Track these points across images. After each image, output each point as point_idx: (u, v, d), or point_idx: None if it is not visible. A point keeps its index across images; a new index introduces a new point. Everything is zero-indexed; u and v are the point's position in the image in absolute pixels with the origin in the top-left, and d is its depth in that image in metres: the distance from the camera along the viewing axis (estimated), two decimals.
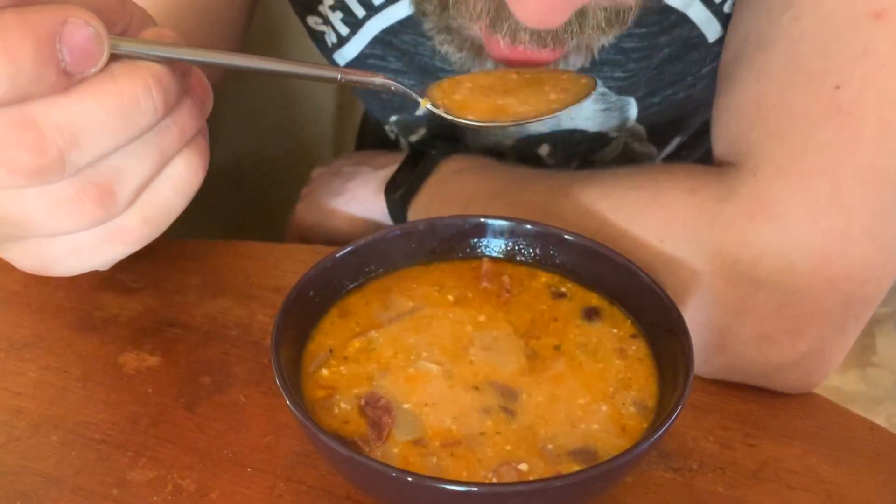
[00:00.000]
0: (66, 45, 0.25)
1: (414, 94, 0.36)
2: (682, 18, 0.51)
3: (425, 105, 0.36)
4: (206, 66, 0.30)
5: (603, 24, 0.35)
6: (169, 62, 0.29)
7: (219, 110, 1.02)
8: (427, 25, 0.40)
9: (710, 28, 0.51)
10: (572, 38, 0.36)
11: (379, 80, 0.34)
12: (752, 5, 0.46)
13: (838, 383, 1.59)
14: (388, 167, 0.61)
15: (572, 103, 0.38)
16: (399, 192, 0.58)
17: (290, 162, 1.05)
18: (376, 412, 0.37)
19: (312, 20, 0.56)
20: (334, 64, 0.59)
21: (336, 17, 0.55)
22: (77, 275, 0.32)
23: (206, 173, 0.32)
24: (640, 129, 0.60)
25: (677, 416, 0.34)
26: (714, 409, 0.45)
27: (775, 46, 0.43)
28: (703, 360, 0.45)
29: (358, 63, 0.58)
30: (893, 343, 1.61)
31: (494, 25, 0.35)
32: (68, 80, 0.26)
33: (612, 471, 0.32)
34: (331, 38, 0.57)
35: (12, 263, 0.32)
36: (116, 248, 0.30)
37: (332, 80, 0.33)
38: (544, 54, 0.37)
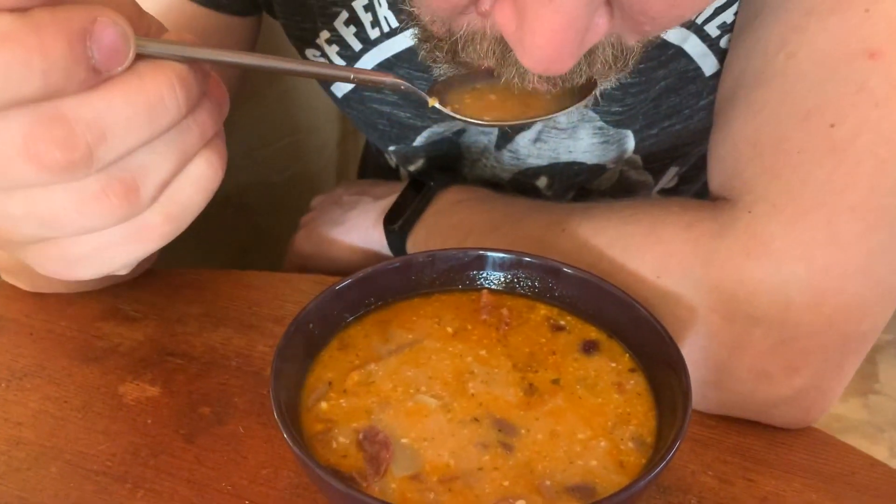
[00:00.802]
0: (95, 42, 0.26)
1: (422, 94, 0.37)
2: (678, 52, 0.51)
3: (433, 104, 0.37)
4: (225, 66, 0.32)
5: (610, 60, 0.36)
6: (191, 62, 0.30)
7: (225, 133, 1.02)
8: (437, 72, 0.40)
9: (707, 62, 0.52)
10: (581, 77, 0.36)
11: (389, 79, 0.35)
12: (747, 42, 0.46)
13: (841, 411, 1.58)
14: (388, 198, 0.61)
15: (571, 105, 0.38)
16: (398, 224, 0.58)
17: (292, 189, 1.06)
18: (374, 447, 0.37)
19: (310, 53, 0.57)
20: (333, 97, 0.60)
21: (332, 51, 0.56)
22: (92, 285, 0.32)
23: (224, 173, 0.33)
24: (637, 158, 0.61)
25: (675, 451, 0.34)
26: (713, 444, 0.45)
27: (771, 83, 0.44)
28: (701, 396, 0.45)
29: (355, 95, 0.58)
30: (895, 371, 1.61)
31: (501, 67, 0.36)
32: (97, 77, 0.27)
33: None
34: None
35: (35, 267, 0.32)
36: (139, 245, 0.31)
37: (346, 79, 0.34)
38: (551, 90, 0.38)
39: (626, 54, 0.36)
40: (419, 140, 0.60)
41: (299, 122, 1.08)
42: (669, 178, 0.64)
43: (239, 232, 1.01)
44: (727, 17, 0.50)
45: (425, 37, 0.39)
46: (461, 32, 0.35)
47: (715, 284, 0.42)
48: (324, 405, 0.39)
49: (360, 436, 0.37)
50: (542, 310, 0.45)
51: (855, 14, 0.41)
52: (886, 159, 0.40)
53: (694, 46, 0.51)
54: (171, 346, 0.52)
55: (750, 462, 0.44)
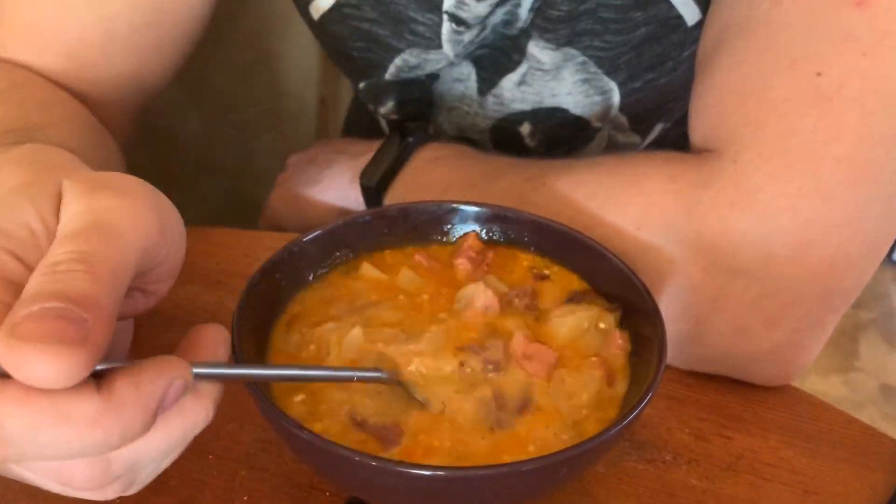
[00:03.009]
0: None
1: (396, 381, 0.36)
2: None
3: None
4: (261, 380, 0.34)
5: None
6: (227, 379, 0.31)
7: (200, 97, 1.00)
8: None
9: (689, 11, 0.51)
10: None
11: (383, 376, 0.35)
12: None
13: (821, 388, 1.59)
14: (364, 155, 0.59)
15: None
16: (374, 181, 0.57)
17: (269, 155, 1.04)
18: None
19: None
20: (309, 21, 0.59)
21: None
22: None
23: None
24: (623, 118, 0.60)
25: (647, 403, 0.33)
26: (690, 401, 0.44)
27: (756, 32, 0.42)
28: (679, 350, 0.44)
29: (334, 13, 0.57)
30: (876, 348, 1.62)
31: None
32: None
33: (578, 457, 0.31)
34: None
35: None
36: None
37: (334, 379, 0.36)
38: None
39: None
40: (391, 70, 0.58)
41: (278, 87, 1.06)
42: (654, 135, 0.63)
43: (212, 198, 1.00)
44: None
45: None
46: None
47: (697, 236, 0.41)
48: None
49: None
50: (526, 260, 0.44)
51: None
52: (873, 110, 0.39)
53: None
54: None
55: (726, 419, 0.43)
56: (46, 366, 0.24)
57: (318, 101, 1.11)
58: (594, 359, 0.37)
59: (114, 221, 0.28)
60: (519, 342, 0.37)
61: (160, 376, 0.27)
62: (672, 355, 0.44)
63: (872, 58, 0.39)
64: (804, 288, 0.41)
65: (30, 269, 0.27)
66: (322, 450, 0.31)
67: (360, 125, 0.83)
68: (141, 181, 0.31)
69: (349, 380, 0.35)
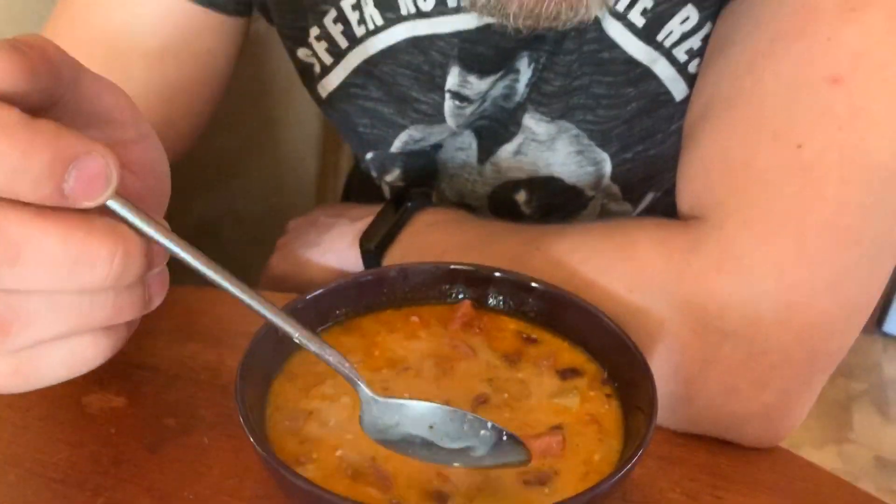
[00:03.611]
0: (76, 168, 0.26)
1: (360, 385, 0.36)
2: (647, 72, 0.53)
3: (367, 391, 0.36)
4: (187, 265, 0.31)
5: None
6: (151, 242, 0.29)
7: (202, 164, 1.02)
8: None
9: (677, 87, 0.54)
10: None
11: (332, 358, 0.35)
12: (717, 67, 0.48)
13: (816, 459, 1.59)
14: (364, 219, 0.61)
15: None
16: (373, 244, 0.58)
17: (269, 221, 1.06)
18: None
19: (302, 52, 0.59)
20: (317, 98, 0.62)
21: (321, 48, 0.57)
22: None
23: (105, 361, 0.31)
24: (615, 188, 0.62)
25: (637, 460, 0.34)
26: (681, 461, 0.45)
27: (739, 106, 0.45)
28: (671, 411, 0.45)
29: (341, 92, 0.59)
30: (870, 420, 1.62)
31: None
32: (58, 200, 0.26)
33: None
34: (316, 69, 0.59)
35: None
36: None
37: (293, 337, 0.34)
38: None
39: None
40: (396, 144, 0.61)
41: (279, 154, 1.09)
42: (646, 203, 0.65)
43: (214, 261, 1.01)
44: (694, 42, 0.51)
45: None
46: None
47: (686, 298, 0.43)
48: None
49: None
50: (513, 325, 0.45)
51: (818, 42, 0.43)
52: (851, 179, 0.42)
53: (663, 69, 0.52)
54: (138, 358, 0.51)
55: (718, 479, 0.44)
56: None
57: (318, 168, 1.14)
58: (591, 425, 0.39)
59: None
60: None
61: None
62: (664, 416, 0.46)
63: (849, 131, 0.41)
64: (790, 349, 0.42)
65: None
66: (319, 498, 0.32)
67: (359, 192, 0.86)
68: None
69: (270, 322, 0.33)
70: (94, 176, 0.26)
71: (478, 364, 0.42)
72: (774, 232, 0.42)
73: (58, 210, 0.26)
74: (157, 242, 0.29)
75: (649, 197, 0.65)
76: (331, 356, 0.35)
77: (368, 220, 0.61)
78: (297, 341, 0.34)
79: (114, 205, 0.28)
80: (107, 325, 0.29)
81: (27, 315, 0.27)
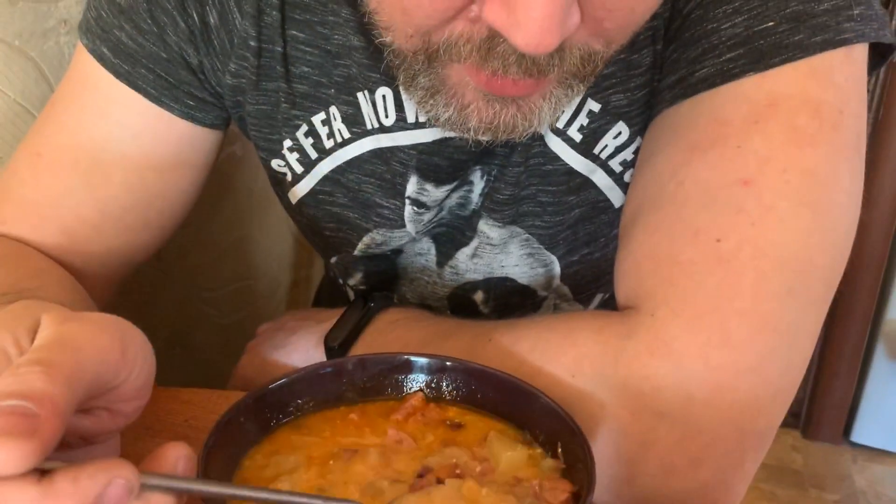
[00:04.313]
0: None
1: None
2: (587, 182, 0.58)
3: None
4: (214, 497, 0.35)
5: (578, 64, 0.42)
6: (180, 492, 0.33)
7: (176, 279, 1.06)
8: (415, 97, 0.46)
9: (614, 195, 0.59)
10: (553, 70, 0.42)
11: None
12: (643, 175, 0.53)
13: None
14: (329, 321, 0.64)
15: None
16: (338, 342, 0.61)
17: (241, 332, 1.08)
18: None
19: (276, 163, 0.63)
20: (287, 203, 0.66)
21: (293, 158, 0.62)
22: None
23: None
24: (565, 288, 0.66)
25: None
26: None
27: (664, 208, 0.50)
28: (616, 494, 0.47)
29: (310, 198, 0.64)
30: None
31: (485, 61, 0.41)
32: None
33: None
34: (288, 178, 0.64)
35: None
36: None
37: None
38: (528, 84, 0.43)
39: (593, 59, 0.42)
40: (360, 247, 0.65)
41: (251, 268, 1.12)
42: (595, 305, 0.69)
43: (184, 373, 1.03)
44: (627, 154, 0.57)
45: (399, 58, 0.45)
46: (442, 40, 0.41)
47: (623, 382, 0.46)
48: None
49: None
50: (453, 412, 0.47)
51: (729, 149, 0.48)
52: (766, 270, 0.46)
53: (601, 179, 0.58)
54: None
55: None
56: None
57: (290, 281, 1.17)
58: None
59: (74, 338, 0.32)
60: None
61: (100, 473, 0.29)
62: (609, 498, 0.48)
63: (760, 226, 0.46)
64: (721, 428, 0.45)
65: None
66: None
67: (329, 300, 0.89)
68: (113, 316, 0.35)
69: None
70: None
71: (417, 447, 0.44)
72: (700, 319, 0.46)
73: None
74: (185, 492, 0.33)
75: (598, 298, 0.69)
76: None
77: (333, 321, 0.64)
78: None
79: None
80: None
81: None
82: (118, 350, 0.33)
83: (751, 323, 0.45)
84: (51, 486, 0.28)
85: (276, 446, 0.45)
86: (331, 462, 0.43)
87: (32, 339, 0.33)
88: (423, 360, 0.49)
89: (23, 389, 0.29)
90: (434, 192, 0.60)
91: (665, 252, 0.49)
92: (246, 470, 0.43)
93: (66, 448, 0.35)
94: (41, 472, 0.29)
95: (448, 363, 0.49)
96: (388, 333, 0.60)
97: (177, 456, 0.34)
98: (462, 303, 0.67)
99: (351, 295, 0.76)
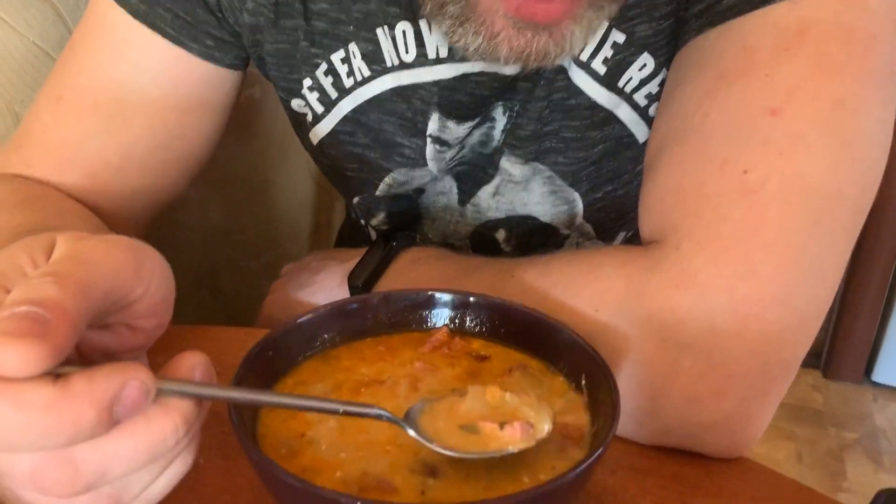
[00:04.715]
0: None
1: (402, 424, 0.38)
2: (611, 117, 0.57)
3: (413, 434, 0.38)
4: (233, 402, 0.36)
5: None
6: (197, 398, 0.33)
7: (201, 223, 1.06)
8: (443, 27, 0.46)
9: (639, 129, 0.58)
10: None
11: (372, 411, 0.38)
12: (670, 107, 0.52)
13: None
14: (353, 260, 0.65)
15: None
16: (361, 281, 0.62)
17: (266, 275, 1.09)
18: None
19: (296, 103, 0.63)
20: (308, 145, 0.66)
21: (313, 98, 0.62)
22: None
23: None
24: (588, 227, 0.66)
25: (605, 448, 0.36)
26: (651, 472, 0.47)
27: (690, 140, 0.49)
28: (639, 425, 0.48)
29: (331, 138, 0.64)
30: (863, 468, 1.62)
31: None
32: (113, 425, 0.30)
33: (534, 499, 0.34)
34: (309, 118, 0.64)
35: None
36: None
37: (335, 412, 0.38)
38: (558, 7, 0.43)
39: None
40: (381, 187, 0.65)
41: (273, 212, 1.13)
42: (618, 243, 0.69)
43: (211, 314, 1.04)
44: (653, 87, 0.56)
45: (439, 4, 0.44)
46: None
47: (647, 315, 0.46)
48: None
49: None
50: (477, 344, 0.48)
51: (757, 78, 0.47)
52: (792, 201, 0.45)
53: (626, 113, 0.57)
54: None
55: (686, 488, 0.46)
56: (9, 354, 0.28)
57: (311, 225, 1.18)
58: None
59: (87, 253, 0.32)
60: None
61: (114, 373, 0.30)
62: (632, 430, 0.48)
63: (788, 157, 0.46)
64: (746, 360, 0.45)
65: None
66: (312, 495, 0.34)
67: (350, 241, 0.90)
68: (128, 237, 0.35)
69: (335, 412, 0.36)
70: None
71: (443, 377, 0.45)
72: (726, 251, 0.45)
73: (122, 426, 0.31)
74: (204, 397, 0.34)
75: (621, 236, 0.69)
76: (369, 410, 0.37)
77: (356, 260, 0.65)
78: (342, 413, 0.37)
79: (157, 388, 0.32)
80: (186, 449, 0.34)
81: (128, 486, 0.33)
82: (132, 265, 0.33)
83: (777, 254, 0.45)
84: (66, 386, 0.29)
85: (303, 377, 0.45)
86: (360, 391, 0.44)
87: (48, 259, 0.33)
88: (447, 296, 0.49)
89: (33, 297, 0.29)
90: (456, 130, 0.59)
91: (690, 184, 0.48)
92: (269, 412, 0.43)
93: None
94: (57, 377, 0.29)
95: (472, 298, 0.49)
96: (410, 272, 0.60)
97: (193, 363, 0.34)
98: (484, 242, 0.67)
99: (373, 236, 0.76)
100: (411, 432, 0.38)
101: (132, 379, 0.30)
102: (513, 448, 0.38)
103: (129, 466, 0.31)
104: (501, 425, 0.39)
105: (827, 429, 1.70)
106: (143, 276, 0.34)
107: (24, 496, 0.32)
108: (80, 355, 0.35)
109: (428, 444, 0.38)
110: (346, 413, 0.37)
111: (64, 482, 0.30)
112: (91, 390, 0.29)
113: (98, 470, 0.30)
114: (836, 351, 1.82)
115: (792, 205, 0.45)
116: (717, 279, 0.45)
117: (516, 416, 0.40)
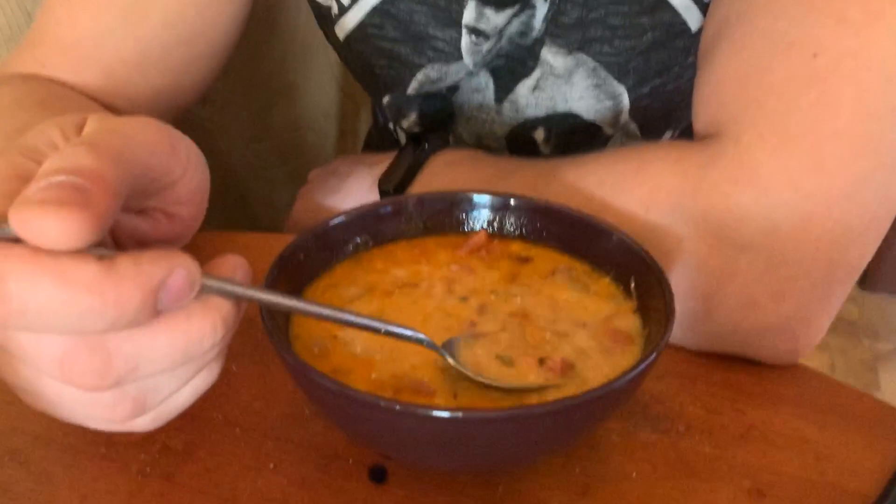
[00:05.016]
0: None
1: (441, 351, 0.36)
2: (661, 2, 0.53)
3: (450, 361, 0.37)
4: (274, 307, 0.34)
5: None
6: (238, 299, 0.31)
7: (224, 129, 1.04)
8: None
9: (692, 16, 0.53)
10: None
11: (415, 335, 0.36)
12: None
13: None
14: (383, 164, 0.62)
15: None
16: (392, 185, 0.59)
17: (290, 184, 1.07)
18: None
19: None
20: (335, 41, 0.62)
21: None
22: None
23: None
24: (633, 126, 0.62)
25: (658, 354, 0.34)
26: (701, 378, 0.45)
27: (753, 21, 0.45)
28: (690, 330, 0.45)
29: (358, 33, 0.60)
30: None
31: None
32: (154, 317, 0.28)
33: (588, 403, 0.32)
34: (334, 11, 0.60)
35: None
36: (116, 425, 0.32)
37: (377, 331, 0.35)
38: None
39: None
40: (413, 85, 0.61)
41: (298, 119, 1.10)
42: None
43: (237, 223, 1.03)
44: None
45: None
46: None
47: (703, 214, 0.43)
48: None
49: None
50: (517, 247, 0.45)
51: None
52: (868, 86, 0.41)
53: None
54: None
55: (738, 395, 0.44)
56: (50, 224, 0.25)
57: (337, 132, 1.15)
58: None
59: (122, 127, 0.30)
60: None
61: (162, 258, 0.27)
62: (683, 335, 0.46)
63: (865, 38, 0.41)
64: (808, 261, 0.42)
65: None
66: (346, 396, 0.33)
67: (378, 148, 0.86)
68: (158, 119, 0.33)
69: (377, 331, 0.35)
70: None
71: (482, 280, 0.43)
72: (790, 143, 0.42)
73: (160, 318, 0.29)
74: (245, 298, 0.32)
75: (668, 135, 0.65)
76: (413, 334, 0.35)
77: (386, 164, 0.62)
78: (384, 333, 0.35)
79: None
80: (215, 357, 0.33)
81: (155, 388, 0.31)
82: (167, 144, 0.31)
83: (847, 145, 0.41)
84: (112, 266, 0.26)
85: (335, 280, 0.43)
86: (394, 293, 0.42)
87: (80, 133, 0.31)
88: (485, 198, 0.47)
89: (68, 165, 0.27)
90: (494, 18, 0.55)
91: (753, 70, 0.44)
92: (312, 297, 0.42)
93: None
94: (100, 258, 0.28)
95: (511, 200, 0.46)
96: (444, 175, 0.57)
97: (235, 264, 0.32)
98: (521, 142, 0.64)
99: (402, 139, 0.73)
100: (450, 360, 0.37)
101: (179, 266, 0.28)
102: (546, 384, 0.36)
103: (162, 364, 0.29)
104: (540, 361, 0.38)
105: (861, 340, 1.67)
106: (179, 156, 0.32)
107: (45, 387, 0.30)
108: (115, 242, 0.33)
109: (465, 372, 0.37)
110: (388, 334, 0.35)
111: (94, 371, 0.28)
112: (138, 272, 0.27)
113: (130, 363, 0.29)
114: (874, 262, 1.77)
115: (867, 90, 0.41)
116: (781, 174, 0.42)
117: (556, 354, 0.38)
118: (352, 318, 0.34)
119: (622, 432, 0.42)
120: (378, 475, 0.39)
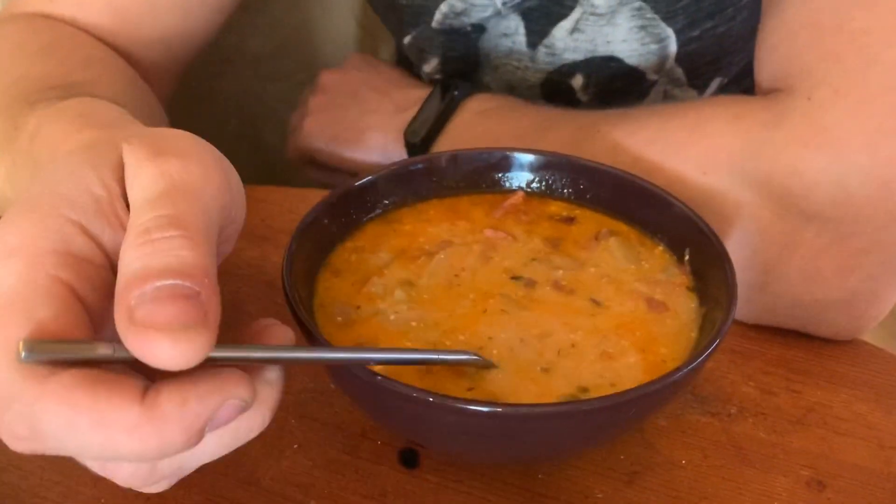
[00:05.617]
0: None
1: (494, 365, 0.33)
2: None
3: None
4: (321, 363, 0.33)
5: None
6: (283, 364, 0.29)
7: (239, 68, 0.99)
8: None
9: None
10: None
11: (466, 357, 0.33)
12: None
13: None
14: (409, 110, 0.58)
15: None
16: (419, 138, 0.55)
17: None
18: None
19: None
20: None
21: None
22: None
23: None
24: (679, 72, 0.57)
25: (715, 349, 0.31)
26: (754, 355, 0.42)
27: None
28: (745, 301, 0.42)
29: None
30: None
31: None
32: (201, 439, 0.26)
33: (643, 398, 0.29)
34: None
35: None
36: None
37: (425, 362, 0.32)
38: None
39: None
40: (437, 17, 0.57)
41: (316, 58, 1.05)
42: (712, 91, 0.61)
43: (253, 170, 0.99)
44: None
45: None
46: None
47: (767, 178, 0.39)
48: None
49: None
50: (555, 207, 0.42)
51: None
52: None
53: None
54: None
55: (793, 373, 0.41)
56: (172, 350, 0.23)
57: None
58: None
59: (189, 182, 0.26)
60: None
61: (212, 395, 0.24)
62: (738, 306, 0.43)
63: None
64: (882, 232, 0.38)
65: (94, 239, 0.26)
66: (375, 385, 0.30)
67: None
68: (196, 138, 0.29)
69: (433, 363, 0.32)
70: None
71: (520, 248, 0.40)
72: (870, 101, 0.38)
73: None
74: (281, 361, 0.29)
75: (716, 83, 0.60)
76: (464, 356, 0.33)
77: (413, 111, 0.58)
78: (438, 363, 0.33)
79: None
80: None
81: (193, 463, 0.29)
82: (226, 187, 0.28)
83: None
84: (155, 408, 0.23)
85: (362, 242, 0.40)
86: (422, 259, 0.39)
87: (118, 178, 0.27)
88: (524, 156, 0.43)
89: (172, 265, 0.24)
90: None
91: (830, 19, 0.39)
92: (339, 261, 0.39)
93: None
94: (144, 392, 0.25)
95: (552, 159, 0.43)
96: (476, 126, 0.54)
97: (282, 336, 0.29)
98: (557, 90, 0.59)
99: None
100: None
101: (232, 397, 0.25)
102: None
103: (210, 458, 0.28)
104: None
105: None
106: (234, 196, 0.28)
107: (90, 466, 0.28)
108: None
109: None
110: (442, 363, 0.32)
111: (138, 479, 0.27)
112: (182, 415, 0.24)
113: (175, 467, 0.27)
114: None
115: None
116: (857, 136, 0.38)
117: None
118: (403, 356, 0.32)
119: (670, 414, 0.39)
120: (409, 459, 0.37)
